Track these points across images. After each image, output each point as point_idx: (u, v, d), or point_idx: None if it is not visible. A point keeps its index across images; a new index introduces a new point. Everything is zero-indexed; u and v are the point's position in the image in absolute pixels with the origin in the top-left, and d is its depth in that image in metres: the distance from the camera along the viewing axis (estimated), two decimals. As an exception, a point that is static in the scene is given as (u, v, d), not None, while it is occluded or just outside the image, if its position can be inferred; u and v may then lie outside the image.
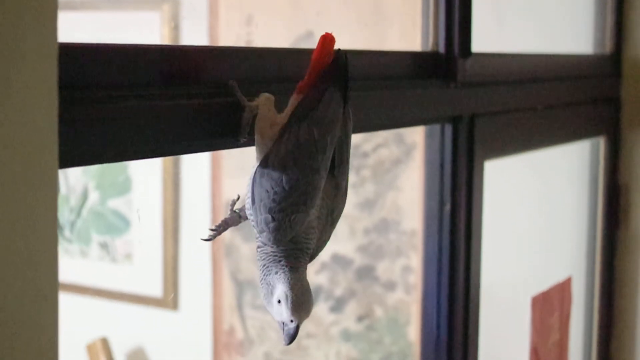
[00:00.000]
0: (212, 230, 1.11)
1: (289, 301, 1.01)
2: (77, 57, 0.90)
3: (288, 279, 1.01)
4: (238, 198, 1.12)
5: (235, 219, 1.12)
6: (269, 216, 1.01)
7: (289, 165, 1.01)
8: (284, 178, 1.01)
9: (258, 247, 1.05)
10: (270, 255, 1.03)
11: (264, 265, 1.04)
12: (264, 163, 1.02)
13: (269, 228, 1.01)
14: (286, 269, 1.02)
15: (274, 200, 1.01)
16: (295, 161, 1.02)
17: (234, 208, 1.12)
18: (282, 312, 1.02)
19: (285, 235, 1.01)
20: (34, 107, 0.73)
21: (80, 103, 0.87)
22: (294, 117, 1.04)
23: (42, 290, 0.75)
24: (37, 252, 0.75)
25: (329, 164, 1.05)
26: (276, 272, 1.02)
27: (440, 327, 1.60)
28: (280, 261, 1.02)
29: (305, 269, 1.05)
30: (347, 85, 1.09)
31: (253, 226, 1.04)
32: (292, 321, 1.01)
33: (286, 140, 1.03)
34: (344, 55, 1.09)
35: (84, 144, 0.87)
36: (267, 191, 1.01)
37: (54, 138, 0.75)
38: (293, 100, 1.07)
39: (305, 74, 1.08)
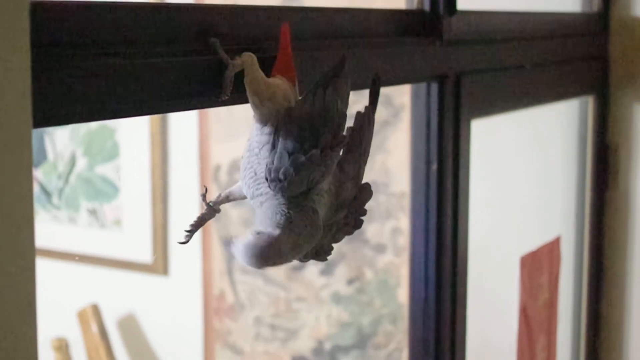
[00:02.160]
0: (188, 231, 1.08)
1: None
2: (50, 14, 0.88)
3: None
4: (206, 190, 1.11)
5: (210, 212, 1.10)
6: (290, 168, 0.97)
7: (319, 124, 1.00)
8: (308, 134, 0.99)
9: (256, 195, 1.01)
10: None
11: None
12: (288, 116, 1.00)
13: (287, 177, 0.97)
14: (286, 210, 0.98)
15: (304, 150, 0.98)
16: (324, 122, 1.01)
17: (208, 201, 1.10)
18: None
19: (300, 187, 0.98)
20: (5, 64, 0.72)
21: (55, 61, 0.86)
22: (318, 83, 1.05)
23: (19, 253, 0.74)
24: (12, 214, 0.74)
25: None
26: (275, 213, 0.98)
27: (428, 288, 1.59)
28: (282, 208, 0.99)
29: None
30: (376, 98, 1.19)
31: (254, 175, 1.01)
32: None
33: (313, 101, 1.02)
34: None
35: (59, 102, 0.85)
36: (295, 142, 0.98)
37: (27, 96, 0.74)
38: (276, 81, 1.05)
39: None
